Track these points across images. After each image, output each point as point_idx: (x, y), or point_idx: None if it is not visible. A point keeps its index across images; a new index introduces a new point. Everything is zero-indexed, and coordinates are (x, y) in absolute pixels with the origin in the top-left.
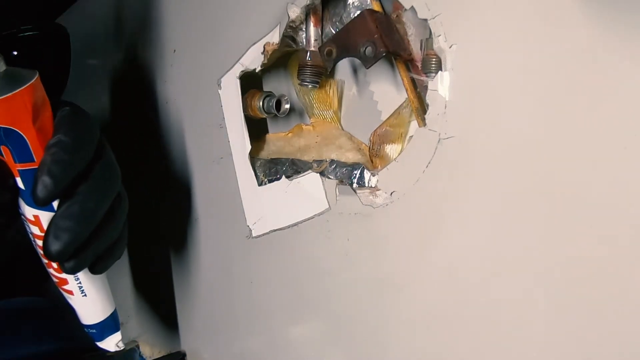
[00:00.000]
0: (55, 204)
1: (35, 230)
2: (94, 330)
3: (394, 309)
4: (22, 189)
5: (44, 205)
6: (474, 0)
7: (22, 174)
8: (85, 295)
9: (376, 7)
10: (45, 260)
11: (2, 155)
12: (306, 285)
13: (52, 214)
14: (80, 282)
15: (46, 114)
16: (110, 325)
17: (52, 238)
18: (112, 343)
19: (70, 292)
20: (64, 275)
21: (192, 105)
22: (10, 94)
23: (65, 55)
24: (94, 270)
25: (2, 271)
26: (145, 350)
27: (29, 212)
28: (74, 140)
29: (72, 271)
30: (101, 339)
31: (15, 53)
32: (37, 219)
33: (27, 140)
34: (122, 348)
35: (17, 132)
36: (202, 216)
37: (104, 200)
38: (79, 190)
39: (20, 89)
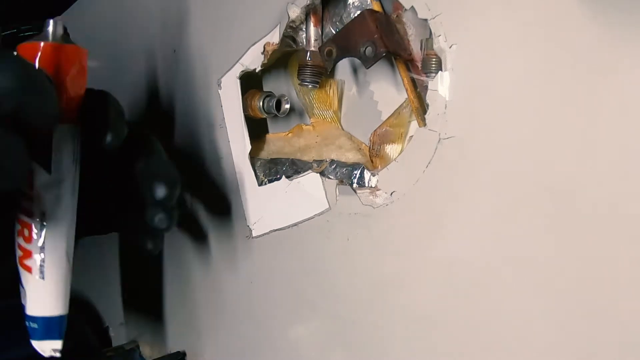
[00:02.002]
0: (43, 233)
1: (27, 205)
2: (36, 325)
3: (394, 308)
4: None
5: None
6: (474, 0)
7: None
8: (43, 277)
9: (376, 7)
10: (18, 227)
11: None
12: (306, 285)
13: (38, 223)
14: (44, 260)
15: (80, 82)
16: (55, 328)
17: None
18: (48, 347)
19: (29, 269)
20: (30, 246)
21: (192, 105)
22: (61, 44)
23: None
24: (152, 246)
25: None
26: (145, 350)
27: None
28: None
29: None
30: (39, 338)
31: (15, 53)
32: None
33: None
34: (56, 356)
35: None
36: (202, 216)
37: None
38: None
39: (71, 44)
